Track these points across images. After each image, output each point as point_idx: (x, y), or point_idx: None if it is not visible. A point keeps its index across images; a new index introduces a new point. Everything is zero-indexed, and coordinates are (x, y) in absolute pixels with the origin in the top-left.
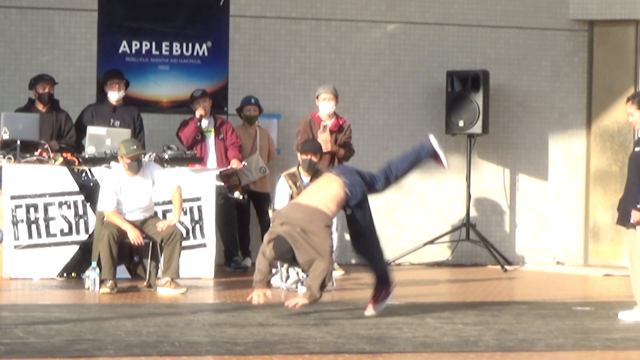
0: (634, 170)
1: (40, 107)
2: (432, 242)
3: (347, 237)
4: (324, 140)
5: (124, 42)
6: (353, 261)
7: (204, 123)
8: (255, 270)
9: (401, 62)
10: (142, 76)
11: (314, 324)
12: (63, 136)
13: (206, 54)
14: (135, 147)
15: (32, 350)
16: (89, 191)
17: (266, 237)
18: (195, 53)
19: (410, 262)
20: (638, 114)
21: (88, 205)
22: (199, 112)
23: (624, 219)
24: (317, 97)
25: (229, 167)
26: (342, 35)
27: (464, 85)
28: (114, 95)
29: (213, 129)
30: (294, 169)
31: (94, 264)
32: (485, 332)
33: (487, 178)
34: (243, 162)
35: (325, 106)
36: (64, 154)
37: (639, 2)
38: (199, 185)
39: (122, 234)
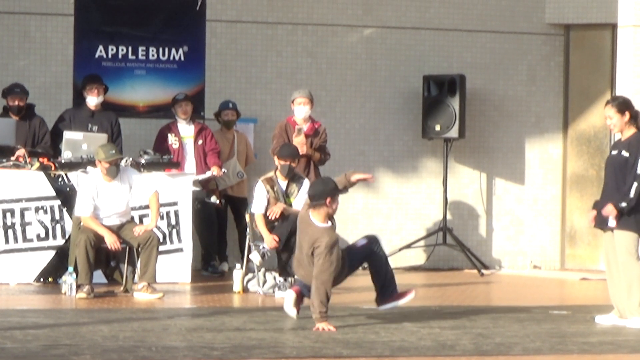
0: (611, 173)
1: (13, 115)
2: (409, 246)
3: None
4: (299, 143)
5: (101, 47)
6: None
7: (183, 131)
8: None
9: (377, 67)
10: (119, 81)
11: (291, 329)
12: (38, 142)
13: (182, 58)
14: (114, 151)
15: (8, 356)
16: (66, 196)
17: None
18: (171, 57)
19: None
20: (617, 117)
21: (64, 210)
22: (167, 158)
23: (601, 223)
24: (293, 102)
25: (208, 174)
26: (318, 40)
27: (440, 90)
28: (93, 100)
29: (193, 135)
30: (271, 174)
31: (70, 269)
32: (462, 336)
33: (463, 182)
34: (223, 169)
35: (300, 110)
36: (41, 159)
37: (615, 6)
38: (176, 190)
39: (99, 239)
